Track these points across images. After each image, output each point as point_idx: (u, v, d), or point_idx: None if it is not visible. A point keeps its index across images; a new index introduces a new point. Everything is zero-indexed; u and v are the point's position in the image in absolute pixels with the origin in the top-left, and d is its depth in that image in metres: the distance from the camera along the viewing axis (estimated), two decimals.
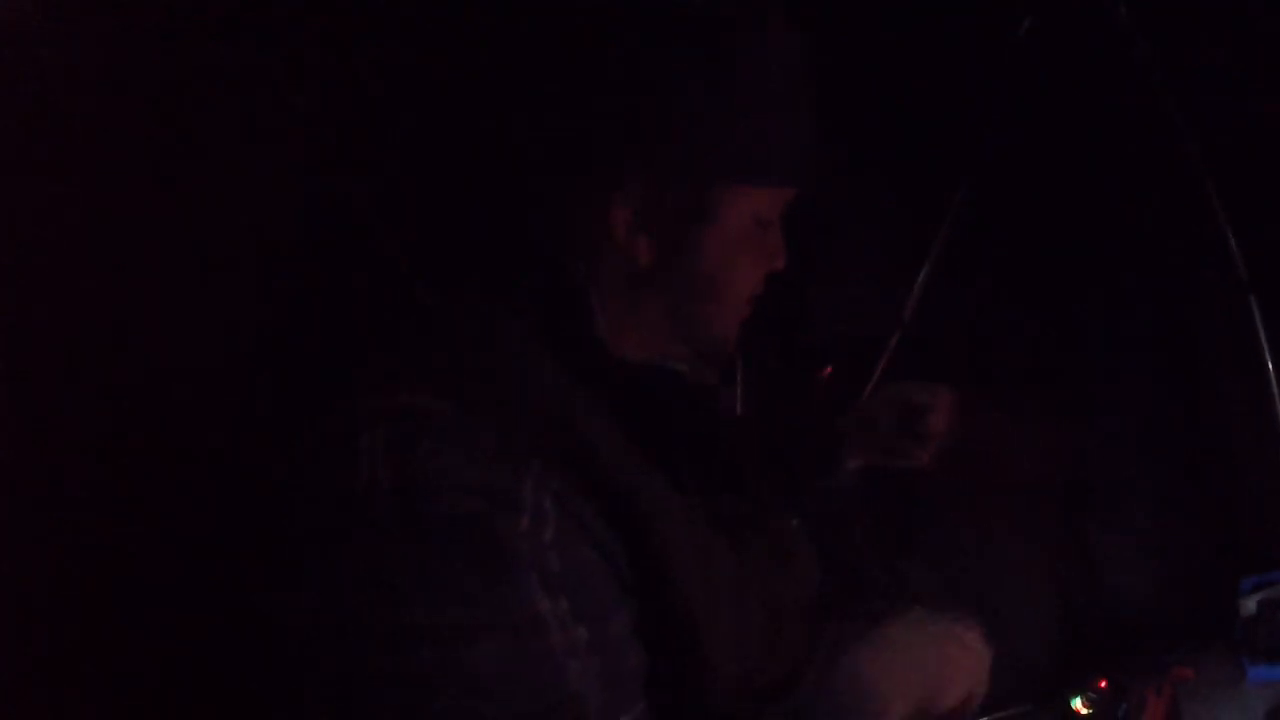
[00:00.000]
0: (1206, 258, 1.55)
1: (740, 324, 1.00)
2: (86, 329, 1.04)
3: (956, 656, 1.08)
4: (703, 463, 0.94)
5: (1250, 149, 1.48)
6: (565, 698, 0.77)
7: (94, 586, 1.00)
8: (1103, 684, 1.44)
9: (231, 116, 1.18)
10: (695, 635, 0.85)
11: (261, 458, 0.87)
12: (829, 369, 1.74)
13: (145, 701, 1.01)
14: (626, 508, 0.82)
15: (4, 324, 0.96)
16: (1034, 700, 1.55)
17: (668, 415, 0.92)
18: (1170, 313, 1.61)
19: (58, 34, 1.07)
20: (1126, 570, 1.67)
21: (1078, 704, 1.44)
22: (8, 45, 1.03)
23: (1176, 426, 1.63)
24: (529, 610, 0.76)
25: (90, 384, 1.03)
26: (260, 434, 0.91)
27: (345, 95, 1.16)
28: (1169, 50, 1.51)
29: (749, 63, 0.89)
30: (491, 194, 0.94)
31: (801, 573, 1.07)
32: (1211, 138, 1.52)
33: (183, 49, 1.16)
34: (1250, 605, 1.51)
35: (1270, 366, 1.46)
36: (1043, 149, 1.64)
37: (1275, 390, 1.46)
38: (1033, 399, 1.67)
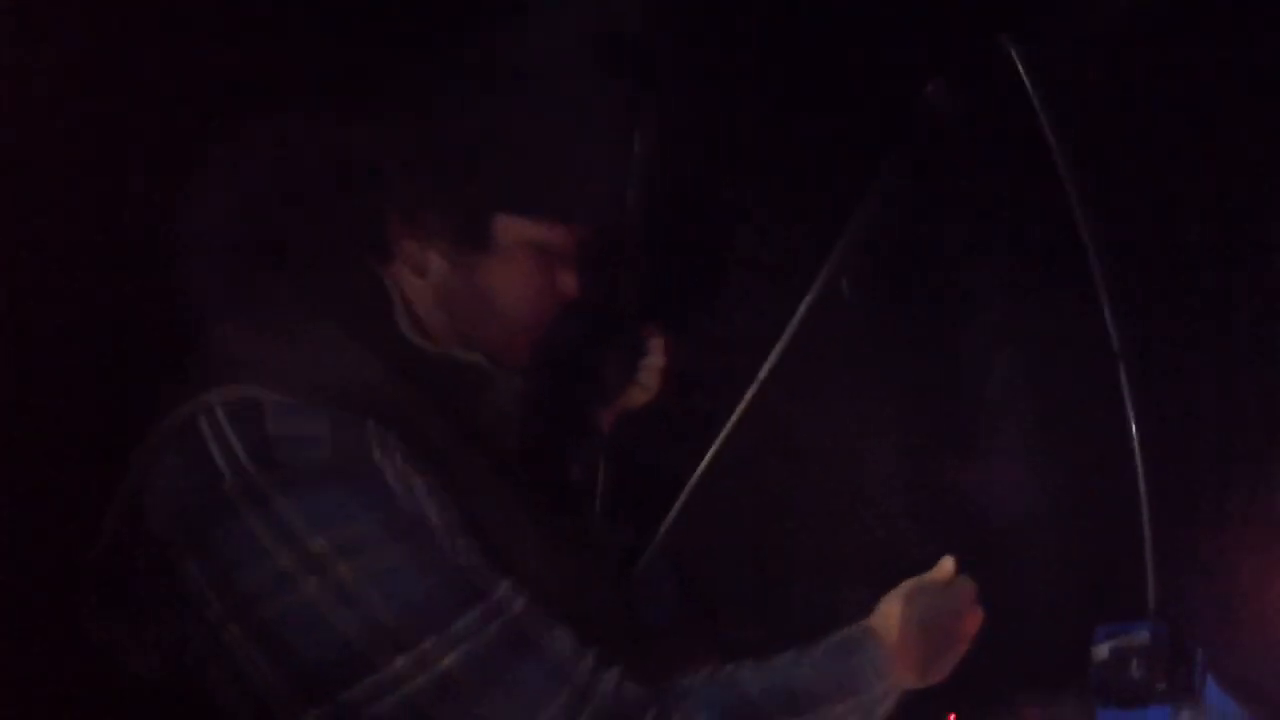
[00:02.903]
0: None
1: (527, 342, 1.07)
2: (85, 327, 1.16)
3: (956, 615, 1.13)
4: (494, 437, 1.04)
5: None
6: (456, 573, 0.89)
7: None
8: (951, 719, 1.51)
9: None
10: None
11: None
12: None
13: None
14: (442, 461, 0.95)
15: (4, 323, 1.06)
16: None
17: (456, 396, 1.02)
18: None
19: (58, 34, 1.18)
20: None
21: None
22: (8, 45, 1.14)
23: (1044, 471, 1.70)
24: (405, 517, 0.88)
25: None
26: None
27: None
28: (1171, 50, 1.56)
29: (525, 93, 0.98)
30: (303, 202, 1.01)
31: (596, 540, 1.17)
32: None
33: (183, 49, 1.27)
34: (1103, 651, 1.54)
35: (1133, 428, 1.54)
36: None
37: (1136, 448, 1.53)
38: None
